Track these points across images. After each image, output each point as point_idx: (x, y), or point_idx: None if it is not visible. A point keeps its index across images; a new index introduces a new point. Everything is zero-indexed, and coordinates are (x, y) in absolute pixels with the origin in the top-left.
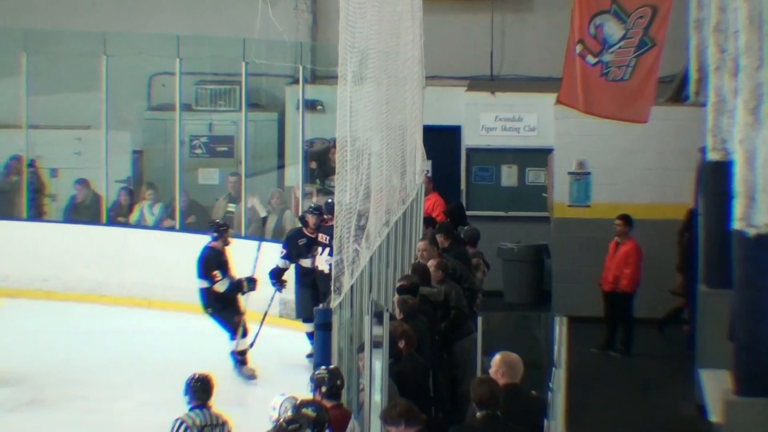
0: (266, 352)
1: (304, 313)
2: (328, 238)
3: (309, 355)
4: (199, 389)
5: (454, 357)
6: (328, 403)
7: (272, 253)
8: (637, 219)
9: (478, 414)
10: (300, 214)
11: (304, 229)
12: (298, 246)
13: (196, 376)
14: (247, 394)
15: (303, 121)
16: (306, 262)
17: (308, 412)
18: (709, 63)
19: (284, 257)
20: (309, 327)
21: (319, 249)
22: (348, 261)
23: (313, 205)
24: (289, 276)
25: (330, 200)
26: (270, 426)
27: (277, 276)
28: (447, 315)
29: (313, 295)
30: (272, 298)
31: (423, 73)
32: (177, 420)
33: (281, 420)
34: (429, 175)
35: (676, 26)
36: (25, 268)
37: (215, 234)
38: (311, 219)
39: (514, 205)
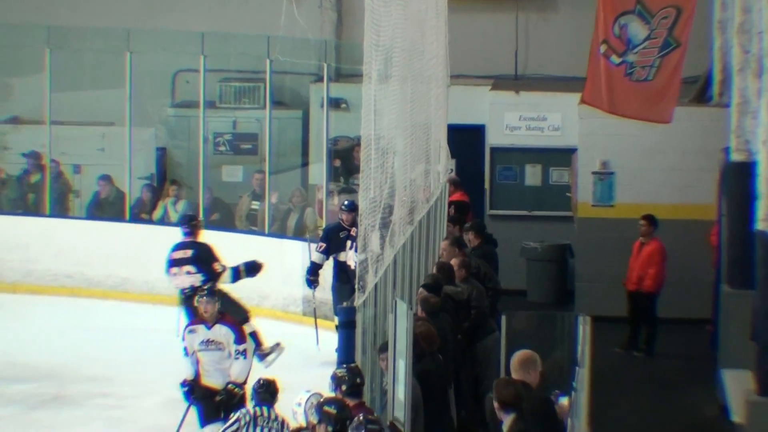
0: (289, 350)
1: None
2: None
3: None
4: (261, 392)
5: (476, 356)
6: (350, 402)
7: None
8: (660, 219)
9: (509, 419)
10: (323, 212)
11: (342, 222)
12: (338, 239)
13: (260, 380)
14: None
15: (327, 119)
16: (343, 256)
17: (330, 409)
18: (733, 64)
19: (323, 251)
20: None
21: (349, 243)
22: (372, 259)
23: (347, 201)
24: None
25: (346, 201)
26: (293, 422)
27: (313, 272)
28: (469, 315)
29: (351, 290)
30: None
31: (448, 72)
32: (240, 410)
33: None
34: (453, 174)
35: (700, 27)
36: (49, 264)
37: (187, 229)
38: (345, 216)
39: (537, 205)
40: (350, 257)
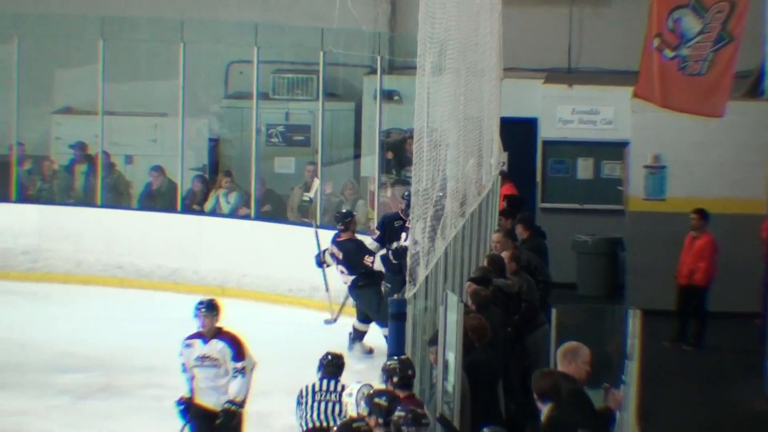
0: (340, 341)
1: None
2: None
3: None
4: (326, 364)
5: (526, 349)
6: (400, 394)
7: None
8: (711, 213)
9: (546, 408)
10: (374, 204)
11: (400, 213)
12: (393, 228)
13: (327, 353)
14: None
15: (380, 111)
16: (394, 244)
17: (381, 401)
18: None
19: (377, 239)
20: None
21: (403, 235)
22: (423, 252)
23: (407, 192)
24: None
25: (407, 191)
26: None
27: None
28: (519, 308)
29: (402, 281)
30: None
31: (501, 65)
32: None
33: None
34: (504, 167)
35: (754, 21)
36: (99, 254)
37: (342, 227)
38: (405, 206)
39: (589, 198)
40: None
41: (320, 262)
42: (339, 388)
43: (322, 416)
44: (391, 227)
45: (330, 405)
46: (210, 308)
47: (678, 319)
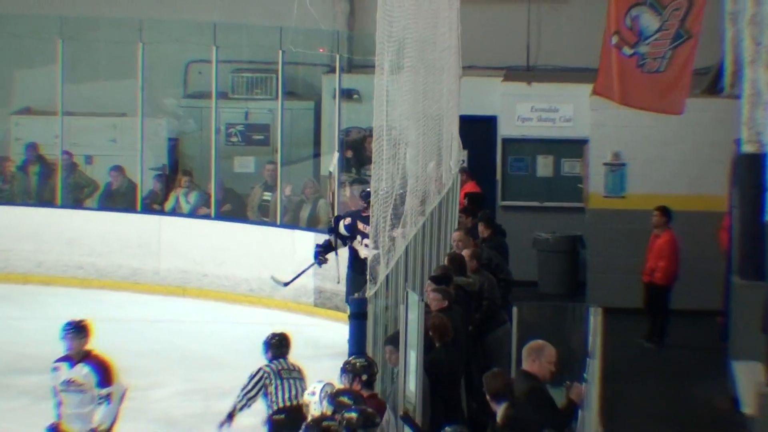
0: (300, 341)
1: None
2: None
3: None
4: (276, 345)
5: (487, 348)
6: (364, 393)
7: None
8: (672, 211)
9: (501, 408)
10: (335, 203)
11: (362, 212)
12: (358, 229)
13: (274, 334)
14: None
15: (339, 110)
16: (357, 245)
17: (346, 400)
18: (745, 55)
19: (347, 227)
20: None
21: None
22: (383, 250)
23: (366, 191)
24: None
25: (366, 189)
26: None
27: (324, 251)
28: (480, 306)
29: (364, 281)
30: (309, 267)
31: (460, 63)
32: (258, 369)
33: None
34: (464, 165)
35: (712, 18)
36: (60, 255)
37: (366, 204)
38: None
39: (549, 196)
40: (361, 248)
41: (319, 260)
42: (293, 367)
43: (293, 394)
44: (356, 226)
45: (296, 383)
46: (78, 330)
47: (647, 317)
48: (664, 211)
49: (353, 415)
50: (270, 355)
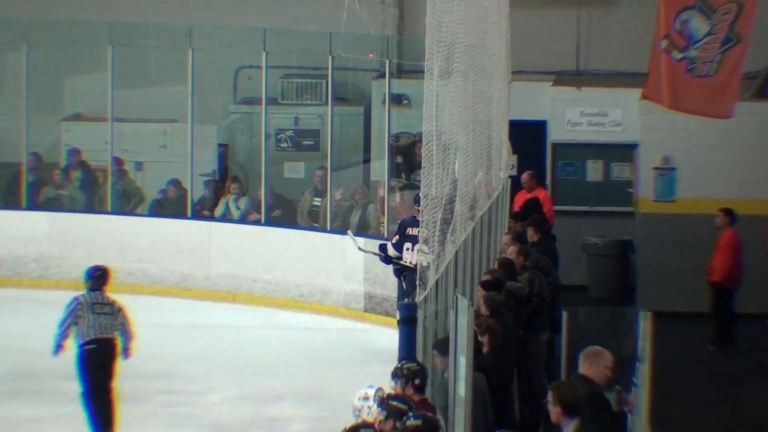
0: (351, 346)
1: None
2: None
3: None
4: (96, 277)
5: (528, 352)
6: (415, 398)
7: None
8: (736, 213)
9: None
10: (384, 208)
11: (416, 217)
12: (407, 235)
13: (97, 266)
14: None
15: (389, 116)
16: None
17: (400, 405)
18: None
19: (395, 244)
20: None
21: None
22: (434, 255)
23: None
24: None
25: (419, 194)
26: (354, 418)
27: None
28: (530, 302)
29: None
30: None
31: (509, 68)
32: (74, 298)
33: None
34: (531, 171)
35: (761, 22)
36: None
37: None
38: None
39: (599, 200)
40: (409, 254)
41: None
42: (108, 300)
43: (102, 327)
44: (404, 233)
45: (108, 318)
46: (100, 273)
47: (712, 320)
48: (727, 212)
49: (417, 422)
50: (88, 285)
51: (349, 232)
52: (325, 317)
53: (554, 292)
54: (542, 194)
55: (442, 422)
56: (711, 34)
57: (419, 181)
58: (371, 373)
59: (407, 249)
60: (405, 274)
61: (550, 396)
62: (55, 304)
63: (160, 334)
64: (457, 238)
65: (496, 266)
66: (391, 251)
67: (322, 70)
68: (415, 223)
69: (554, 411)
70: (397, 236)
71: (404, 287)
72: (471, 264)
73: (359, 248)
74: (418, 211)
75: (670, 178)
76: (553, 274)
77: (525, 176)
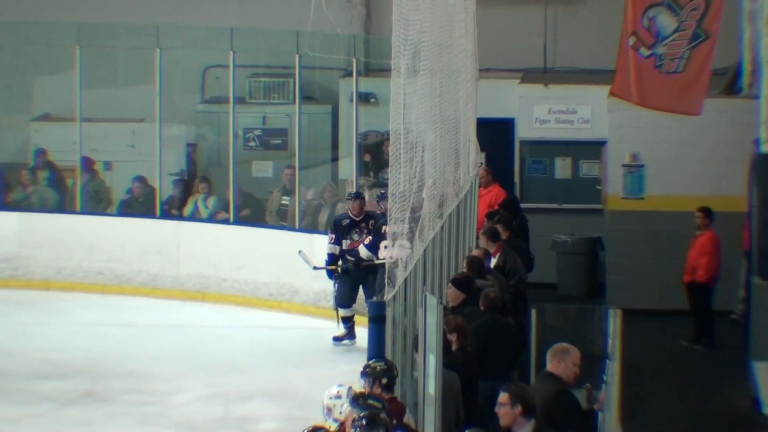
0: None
1: (341, 298)
2: (373, 223)
3: (336, 338)
4: None
5: None
6: (385, 396)
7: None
8: (690, 211)
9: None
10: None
11: (349, 212)
12: (342, 227)
13: None
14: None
15: (357, 114)
16: (344, 244)
17: (375, 404)
18: (762, 55)
19: (333, 242)
20: (343, 312)
21: (362, 234)
22: (402, 253)
23: (355, 192)
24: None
25: (382, 192)
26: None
27: (331, 262)
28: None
29: (351, 280)
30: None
31: (476, 66)
32: None
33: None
34: (486, 167)
35: (730, 18)
36: (80, 261)
37: None
38: (351, 204)
39: (567, 198)
40: (361, 248)
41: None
42: None
43: None
44: (339, 226)
45: None
46: None
47: (693, 319)
48: (707, 213)
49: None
50: None
51: (301, 251)
52: (295, 316)
53: (518, 294)
54: (496, 190)
55: (408, 419)
56: (679, 30)
57: (387, 179)
58: (341, 372)
59: (384, 247)
60: (337, 275)
61: (504, 397)
62: (24, 304)
63: (130, 333)
64: (425, 236)
65: (464, 265)
66: (365, 253)
67: (289, 69)
68: (345, 216)
69: (511, 412)
70: (333, 235)
71: (339, 289)
72: (440, 262)
73: (314, 267)
74: (350, 205)
75: (638, 175)
76: (519, 275)
77: (481, 171)
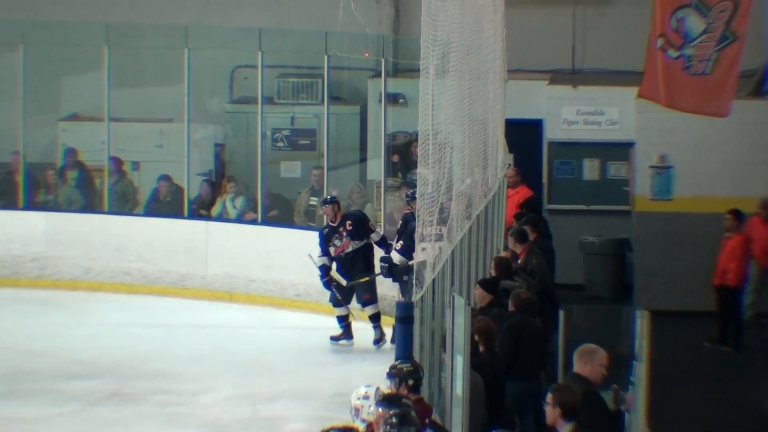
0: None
1: (333, 298)
2: (351, 223)
3: (332, 337)
4: None
5: None
6: (411, 397)
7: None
8: (718, 213)
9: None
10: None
11: (329, 221)
12: (326, 237)
13: None
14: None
15: (385, 115)
16: (330, 251)
17: (405, 401)
18: None
19: (322, 254)
20: (338, 311)
21: (342, 238)
22: (430, 254)
23: (328, 197)
24: None
25: (412, 191)
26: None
27: (325, 274)
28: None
29: (339, 284)
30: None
31: (505, 67)
32: None
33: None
34: (515, 167)
35: (758, 20)
36: (107, 261)
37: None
38: (324, 209)
39: (595, 199)
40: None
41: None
42: None
43: None
44: (322, 236)
45: None
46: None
47: (719, 321)
48: (737, 215)
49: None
50: None
51: (310, 255)
52: (322, 316)
53: (541, 295)
54: (524, 191)
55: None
56: (707, 32)
57: (415, 179)
58: (368, 373)
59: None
60: (335, 283)
61: (549, 397)
62: (52, 304)
63: (157, 333)
64: (453, 237)
65: (492, 266)
66: (398, 258)
67: (318, 70)
68: (326, 226)
69: (553, 412)
70: (319, 248)
71: (337, 295)
72: (468, 263)
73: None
74: (324, 210)
75: (666, 177)
76: (543, 277)
77: (510, 172)
